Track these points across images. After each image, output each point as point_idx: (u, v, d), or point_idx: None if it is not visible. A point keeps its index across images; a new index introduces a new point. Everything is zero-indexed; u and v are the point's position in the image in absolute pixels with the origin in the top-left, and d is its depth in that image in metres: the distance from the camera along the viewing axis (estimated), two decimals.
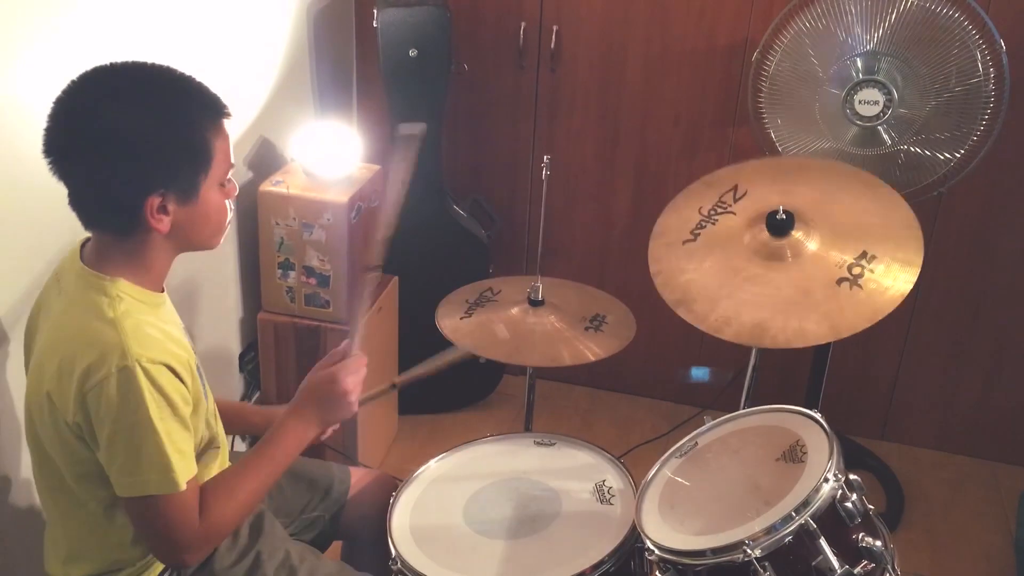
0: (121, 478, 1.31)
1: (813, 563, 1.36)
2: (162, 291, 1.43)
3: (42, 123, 1.30)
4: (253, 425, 1.76)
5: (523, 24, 2.64)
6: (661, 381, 2.99)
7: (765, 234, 1.77)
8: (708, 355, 2.90)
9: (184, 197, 1.33)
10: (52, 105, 1.30)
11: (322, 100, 2.70)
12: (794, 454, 1.48)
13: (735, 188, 1.92)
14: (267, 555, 1.55)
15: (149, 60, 1.36)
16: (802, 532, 1.36)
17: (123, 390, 1.27)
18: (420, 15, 2.50)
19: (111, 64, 1.33)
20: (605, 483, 1.76)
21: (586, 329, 1.93)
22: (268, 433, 1.50)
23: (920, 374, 2.78)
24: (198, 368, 1.43)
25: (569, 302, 2.01)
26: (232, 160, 1.40)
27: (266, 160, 2.45)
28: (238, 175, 2.34)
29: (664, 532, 1.49)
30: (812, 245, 1.77)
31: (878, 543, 1.40)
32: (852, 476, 1.44)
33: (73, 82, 1.31)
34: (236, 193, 1.44)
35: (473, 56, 2.69)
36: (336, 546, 1.88)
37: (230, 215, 1.43)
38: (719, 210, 1.88)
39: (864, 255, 1.74)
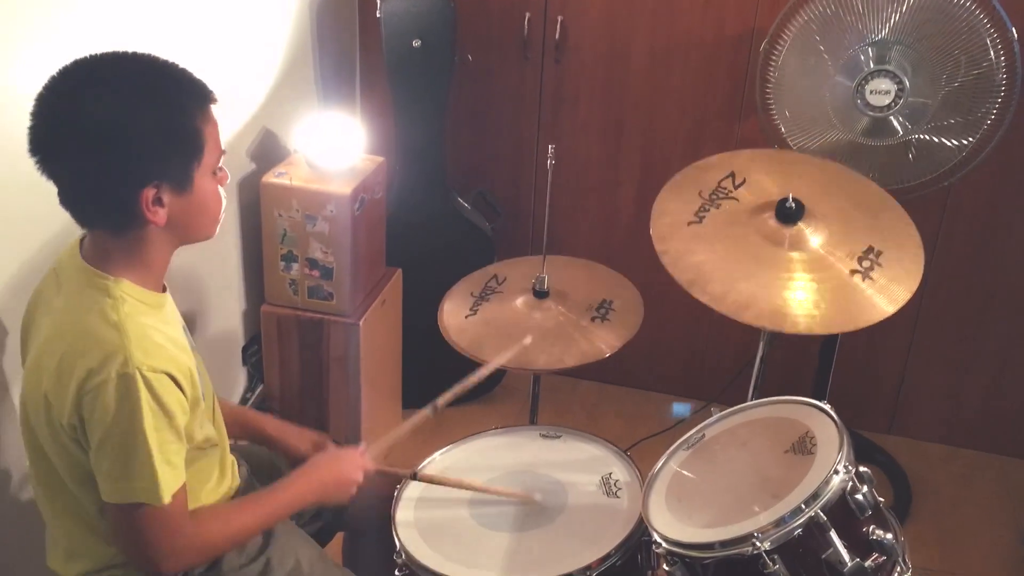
0: (107, 483, 1.30)
1: (823, 556, 1.34)
2: (164, 290, 1.41)
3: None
4: (265, 436, 1.74)
5: (528, 15, 2.62)
6: (667, 375, 2.97)
7: (773, 221, 1.75)
8: (713, 348, 2.89)
9: (179, 187, 1.31)
10: (34, 102, 1.26)
11: (325, 91, 2.68)
12: (803, 446, 1.46)
13: (732, 175, 1.90)
14: (277, 561, 1.54)
15: (131, 49, 1.32)
16: (812, 525, 1.34)
17: (121, 396, 1.25)
18: (424, 5, 2.48)
19: (91, 56, 1.29)
20: (611, 476, 1.74)
21: (593, 319, 1.91)
22: (279, 482, 1.55)
23: (928, 367, 2.76)
24: (199, 369, 1.41)
25: (576, 287, 1.98)
26: (223, 147, 1.38)
27: (269, 151, 2.43)
28: (241, 167, 2.33)
29: (671, 525, 1.48)
30: (820, 236, 1.76)
31: (889, 536, 1.38)
32: (862, 468, 1.42)
33: (54, 77, 1.26)
34: (228, 180, 1.41)
35: (477, 47, 2.67)
36: (339, 539, 1.87)
37: (224, 203, 1.41)
38: (721, 195, 1.86)
39: (871, 250, 1.72)
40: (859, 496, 1.37)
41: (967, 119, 2.10)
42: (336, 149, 2.34)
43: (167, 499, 1.30)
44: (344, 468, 1.60)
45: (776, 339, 1.97)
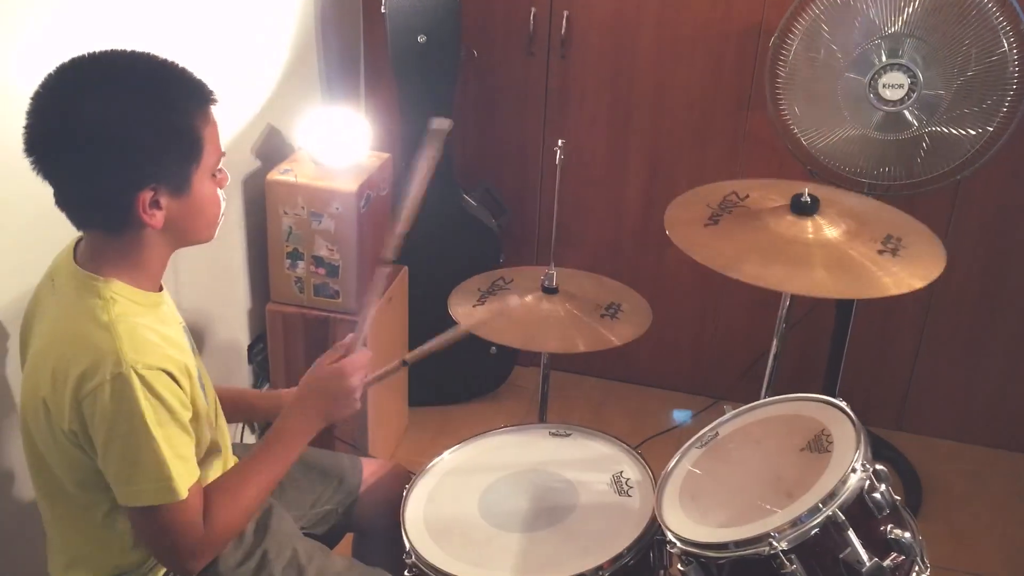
0: (119, 487, 1.28)
1: (841, 555, 1.32)
2: (160, 290, 1.39)
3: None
4: (258, 409, 1.71)
5: (533, 10, 2.60)
6: (674, 371, 2.95)
7: (790, 216, 1.74)
8: (721, 345, 2.87)
9: (176, 190, 1.28)
10: (30, 101, 1.23)
11: (329, 87, 2.66)
12: (819, 444, 1.44)
13: (733, 192, 1.90)
14: (274, 554, 1.52)
15: (132, 47, 1.29)
16: (829, 524, 1.32)
17: (117, 397, 1.22)
18: (429, 0, 2.46)
19: (88, 54, 1.26)
20: (622, 474, 1.72)
21: (602, 316, 1.89)
22: (270, 431, 1.46)
23: (938, 363, 2.74)
24: (200, 372, 1.39)
25: (584, 291, 1.97)
26: (222, 148, 1.35)
27: (273, 149, 2.41)
28: (245, 164, 2.31)
29: (685, 524, 1.46)
30: (837, 229, 1.75)
31: (907, 534, 1.36)
32: (879, 466, 1.40)
33: (50, 75, 1.24)
34: (228, 182, 1.38)
35: (482, 42, 2.65)
36: (348, 540, 1.85)
37: (223, 206, 1.38)
38: (729, 205, 1.86)
39: (891, 237, 1.71)
40: (877, 495, 1.36)
41: (982, 109, 2.08)
42: (341, 145, 2.32)
43: (184, 493, 1.28)
44: (335, 382, 1.48)
45: (788, 335, 1.95)
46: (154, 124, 1.24)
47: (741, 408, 1.63)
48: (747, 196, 1.89)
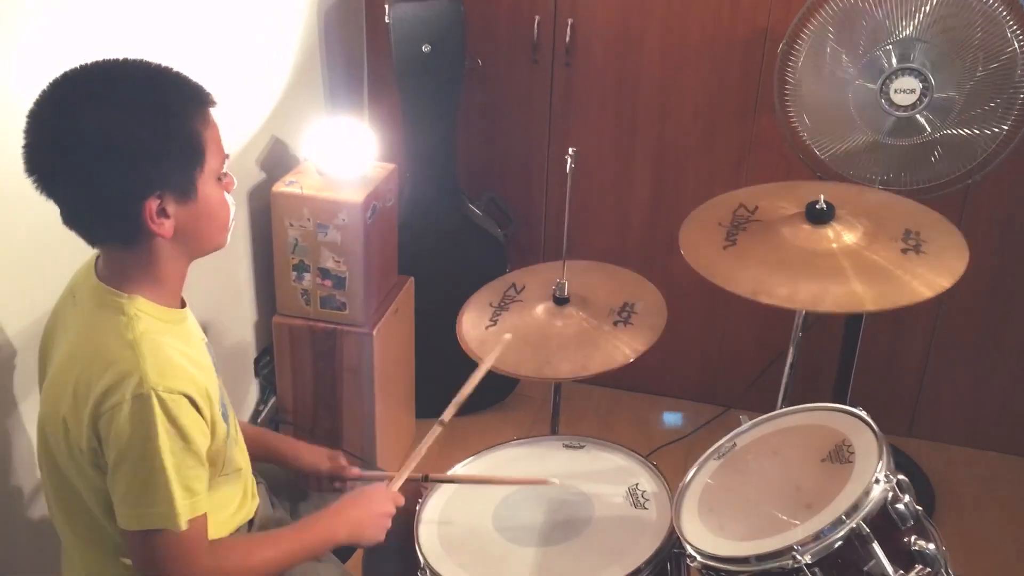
0: (123, 508, 1.26)
1: (865, 568, 1.31)
2: (182, 306, 1.37)
3: None
4: (279, 454, 1.71)
5: (537, 18, 2.59)
6: (682, 380, 2.93)
7: (807, 226, 1.72)
8: (730, 352, 2.85)
9: (182, 196, 1.26)
10: (27, 119, 1.21)
11: (333, 98, 2.65)
12: (840, 454, 1.42)
13: (740, 205, 1.88)
14: None
15: (125, 56, 1.27)
16: (853, 537, 1.30)
17: (136, 419, 1.20)
18: (433, 10, 2.45)
19: (81, 67, 1.24)
20: (638, 486, 1.70)
21: (615, 324, 1.87)
22: (302, 520, 1.51)
23: (949, 368, 2.72)
24: (220, 390, 1.37)
25: (596, 291, 1.94)
26: (226, 151, 1.33)
27: (278, 160, 2.39)
28: (250, 176, 2.30)
29: (705, 538, 1.44)
30: (855, 232, 1.74)
31: (931, 546, 1.34)
32: (901, 477, 1.39)
33: (44, 91, 1.22)
34: (235, 186, 1.36)
35: (486, 51, 2.64)
36: (359, 556, 1.83)
37: (233, 210, 1.36)
38: (742, 221, 1.84)
39: (910, 232, 1.70)
40: (900, 506, 1.34)
41: (995, 109, 2.06)
42: (347, 156, 2.30)
43: (183, 525, 1.25)
44: (375, 503, 1.55)
45: (802, 342, 1.94)
46: (153, 130, 1.22)
47: (758, 418, 1.61)
48: (756, 208, 1.88)
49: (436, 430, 1.71)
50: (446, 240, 2.68)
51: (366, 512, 1.53)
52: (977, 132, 2.08)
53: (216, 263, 2.05)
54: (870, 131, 2.12)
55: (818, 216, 1.72)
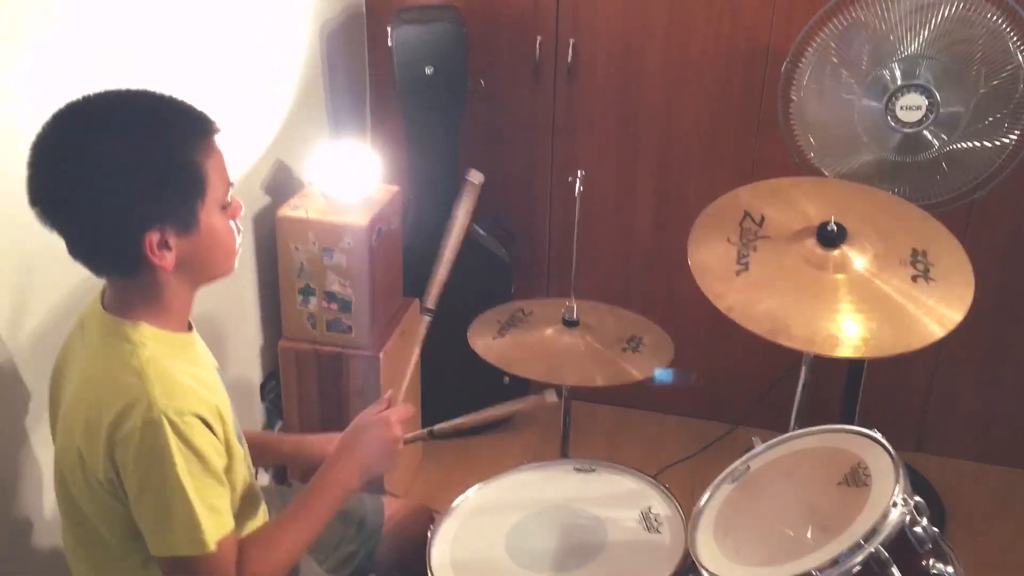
0: (151, 536, 1.25)
1: None
2: (189, 330, 1.36)
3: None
4: (283, 455, 1.69)
5: (539, 38, 2.59)
6: (688, 398, 2.92)
7: (819, 248, 1.72)
8: (738, 370, 2.84)
9: (183, 228, 1.25)
10: (29, 151, 1.21)
11: (337, 121, 2.65)
12: (856, 477, 1.41)
13: (746, 214, 1.88)
14: None
15: (129, 86, 1.27)
16: (872, 561, 1.29)
17: (149, 445, 1.20)
18: (435, 32, 2.45)
19: (83, 98, 1.24)
20: (651, 510, 1.69)
21: (623, 350, 1.87)
22: (310, 483, 1.44)
23: (956, 382, 2.71)
24: (232, 412, 1.36)
25: (604, 323, 1.95)
26: (231, 179, 1.31)
27: (283, 184, 2.39)
28: (255, 200, 2.29)
29: (721, 563, 1.42)
30: (865, 254, 1.74)
31: (949, 569, 1.34)
32: (918, 499, 1.37)
33: (47, 124, 1.22)
34: (242, 212, 1.35)
35: (489, 72, 2.64)
36: None
37: (239, 236, 1.35)
38: (750, 237, 1.83)
39: (916, 253, 1.70)
40: (918, 529, 1.33)
41: (1001, 120, 2.06)
42: (351, 179, 2.30)
43: (212, 547, 1.24)
44: (376, 433, 1.48)
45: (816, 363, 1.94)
46: (152, 165, 1.21)
47: (772, 441, 1.60)
48: (763, 219, 1.86)
49: (425, 319, 1.69)
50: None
51: (371, 446, 1.47)
52: (988, 145, 2.07)
53: (221, 288, 2.04)
54: (877, 148, 2.11)
55: (829, 239, 1.72)
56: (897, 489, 1.33)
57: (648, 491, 1.75)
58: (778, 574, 1.34)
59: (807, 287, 1.72)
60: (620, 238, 2.79)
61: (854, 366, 2.41)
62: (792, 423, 1.91)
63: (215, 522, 1.25)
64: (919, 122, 2.03)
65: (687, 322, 2.80)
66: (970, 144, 2.08)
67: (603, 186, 2.73)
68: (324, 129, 2.61)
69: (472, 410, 2.80)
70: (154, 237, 1.23)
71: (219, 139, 1.29)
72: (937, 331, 1.66)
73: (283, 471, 1.92)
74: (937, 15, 1.98)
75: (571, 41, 2.58)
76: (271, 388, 2.45)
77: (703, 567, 1.42)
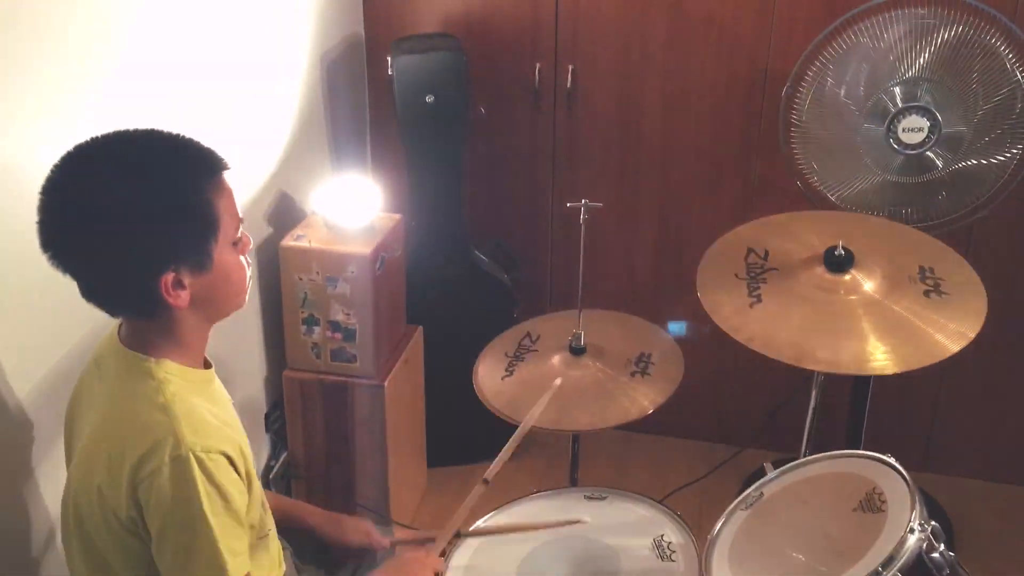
0: (170, 574, 1.24)
1: None
2: (207, 367, 1.36)
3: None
4: (311, 526, 1.68)
5: (538, 64, 2.61)
6: (695, 421, 2.91)
7: (828, 274, 1.73)
8: (744, 391, 2.83)
9: (198, 267, 1.25)
10: (40, 195, 1.21)
11: (338, 150, 2.65)
12: (872, 503, 1.41)
13: (750, 250, 1.88)
14: None
15: (135, 126, 1.27)
16: None
17: (176, 482, 1.19)
18: (435, 61, 2.46)
19: (92, 140, 1.24)
20: (664, 538, 1.68)
21: (632, 374, 1.86)
22: None
23: (962, 400, 2.71)
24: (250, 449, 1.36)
25: (612, 341, 1.94)
26: (240, 215, 1.32)
27: (286, 214, 2.39)
28: (258, 231, 2.29)
29: None
30: (874, 278, 1.74)
31: None
32: (934, 524, 1.37)
33: (56, 167, 1.21)
34: (251, 246, 1.35)
35: (489, 99, 2.65)
36: None
37: (249, 271, 1.35)
38: (758, 271, 1.84)
39: (923, 271, 1.70)
40: (936, 555, 1.32)
41: (1003, 136, 2.07)
42: (353, 208, 2.30)
43: None
44: (420, 569, 1.54)
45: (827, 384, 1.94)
46: (164, 207, 1.21)
47: (784, 467, 1.59)
48: (767, 253, 1.87)
49: (479, 489, 1.70)
50: (453, 288, 2.68)
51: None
52: (993, 161, 2.08)
53: (226, 319, 2.05)
54: (880, 171, 2.12)
55: (838, 264, 1.72)
56: (914, 515, 1.33)
57: (660, 518, 1.74)
58: None
59: (824, 311, 1.73)
60: (622, 262, 2.79)
61: (859, 385, 2.41)
62: (803, 448, 1.91)
63: (236, 563, 1.24)
64: (922, 143, 2.04)
65: (691, 346, 2.80)
66: (973, 162, 2.08)
67: (604, 211, 2.72)
68: (326, 158, 2.61)
69: (476, 437, 2.82)
70: (169, 278, 1.23)
71: (228, 175, 1.29)
72: (949, 347, 1.70)
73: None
74: (936, 38, 1.99)
75: (570, 67, 2.59)
76: (276, 418, 2.44)
77: None
